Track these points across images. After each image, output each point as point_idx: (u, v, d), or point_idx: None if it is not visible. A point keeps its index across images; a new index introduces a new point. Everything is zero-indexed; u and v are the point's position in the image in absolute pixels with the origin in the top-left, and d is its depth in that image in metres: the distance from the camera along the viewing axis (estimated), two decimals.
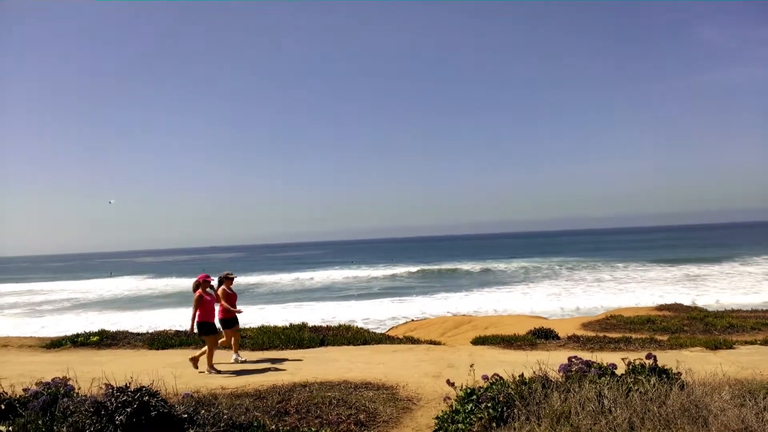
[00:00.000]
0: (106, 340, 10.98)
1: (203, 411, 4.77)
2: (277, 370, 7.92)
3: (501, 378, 4.84)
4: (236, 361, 8.57)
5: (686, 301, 22.99)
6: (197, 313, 7.86)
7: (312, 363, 8.40)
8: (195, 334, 8.10)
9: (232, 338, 8.69)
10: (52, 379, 5.03)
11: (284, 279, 56.20)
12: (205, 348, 7.98)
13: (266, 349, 9.96)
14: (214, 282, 8.45)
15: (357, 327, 12.44)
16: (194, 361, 8.00)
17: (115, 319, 31.46)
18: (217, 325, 8.31)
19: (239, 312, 8.48)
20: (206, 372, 7.76)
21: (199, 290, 7.94)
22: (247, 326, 12.58)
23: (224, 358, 8.68)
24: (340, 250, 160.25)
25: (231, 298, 8.54)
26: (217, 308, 8.38)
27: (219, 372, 7.79)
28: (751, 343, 10.35)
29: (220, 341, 8.37)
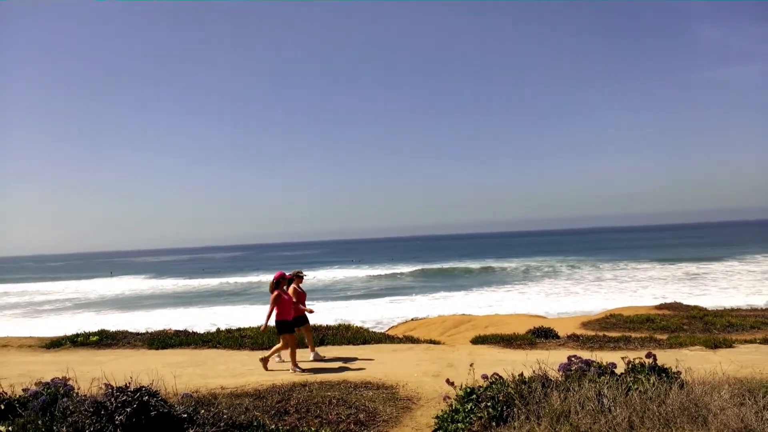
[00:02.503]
0: (105, 339, 10.98)
1: (203, 411, 4.78)
2: (276, 369, 7.92)
3: (501, 377, 4.84)
4: (315, 360, 8.50)
5: (686, 300, 23.00)
6: (275, 312, 7.81)
7: (312, 362, 8.40)
8: (267, 331, 8.03)
9: (306, 336, 8.72)
10: (52, 379, 5.03)
11: None
12: (276, 347, 7.97)
13: (266, 349, 9.95)
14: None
15: (357, 326, 12.43)
16: (264, 361, 7.83)
17: (115, 318, 31.47)
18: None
19: (311, 311, 8.59)
20: (291, 371, 7.65)
21: (278, 289, 7.89)
22: (246, 326, 12.59)
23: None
24: (339, 249, 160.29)
25: (301, 296, 8.62)
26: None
27: (303, 370, 7.71)
28: (751, 341, 10.36)
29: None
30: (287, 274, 8.39)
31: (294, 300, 8.27)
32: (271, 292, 7.90)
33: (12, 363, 9.09)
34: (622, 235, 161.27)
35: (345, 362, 8.33)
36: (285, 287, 8.17)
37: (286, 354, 8.10)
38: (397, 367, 7.88)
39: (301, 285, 8.79)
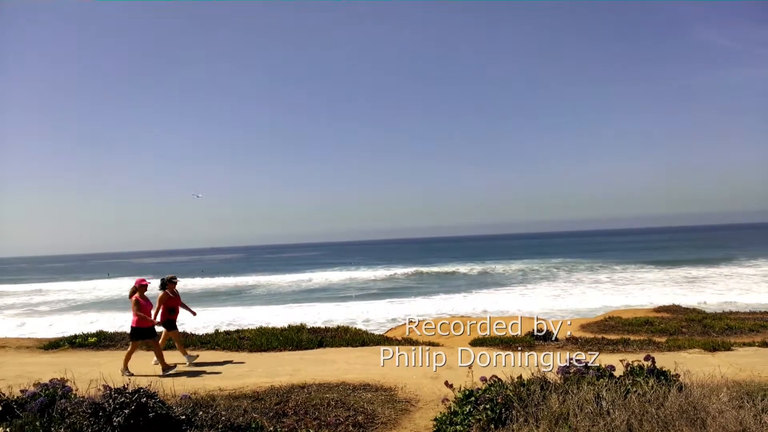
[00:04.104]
0: (104, 341, 10.97)
1: (201, 412, 4.77)
2: (275, 371, 7.91)
3: (499, 379, 4.84)
4: (190, 363, 8.53)
5: (685, 303, 23.02)
6: (134, 318, 7.84)
7: (310, 364, 8.39)
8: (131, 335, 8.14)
9: (176, 340, 8.78)
10: (50, 381, 5.03)
11: (283, 280, 56.12)
12: (156, 351, 8.02)
13: (264, 351, 9.95)
14: (155, 284, 8.58)
15: (355, 328, 12.45)
16: (164, 370, 7.86)
17: (113, 320, 31.36)
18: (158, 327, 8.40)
19: (194, 314, 8.87)
20: (120, 372, 7.62)
21: (136, 294, 7.89)
22: (245, 327, 12.59)
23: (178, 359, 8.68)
24: (338, 251, 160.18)
25: (173, 301, 8.64)
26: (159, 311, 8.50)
27: (132, 374, 7.66)
28: (749, 344, 10.37)
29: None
30: (146, 280, 8.36)
31: (159, 305, 8.42)
32: (130, 297, 7.91)
33: (10, 364, 9.08)
34: (620, 237, 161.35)
35: (339, 363, 8.32)
36: (166, 292, 8.43)
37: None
38: (395, 368, 7.88)
39: (175, 290, 8.77)
